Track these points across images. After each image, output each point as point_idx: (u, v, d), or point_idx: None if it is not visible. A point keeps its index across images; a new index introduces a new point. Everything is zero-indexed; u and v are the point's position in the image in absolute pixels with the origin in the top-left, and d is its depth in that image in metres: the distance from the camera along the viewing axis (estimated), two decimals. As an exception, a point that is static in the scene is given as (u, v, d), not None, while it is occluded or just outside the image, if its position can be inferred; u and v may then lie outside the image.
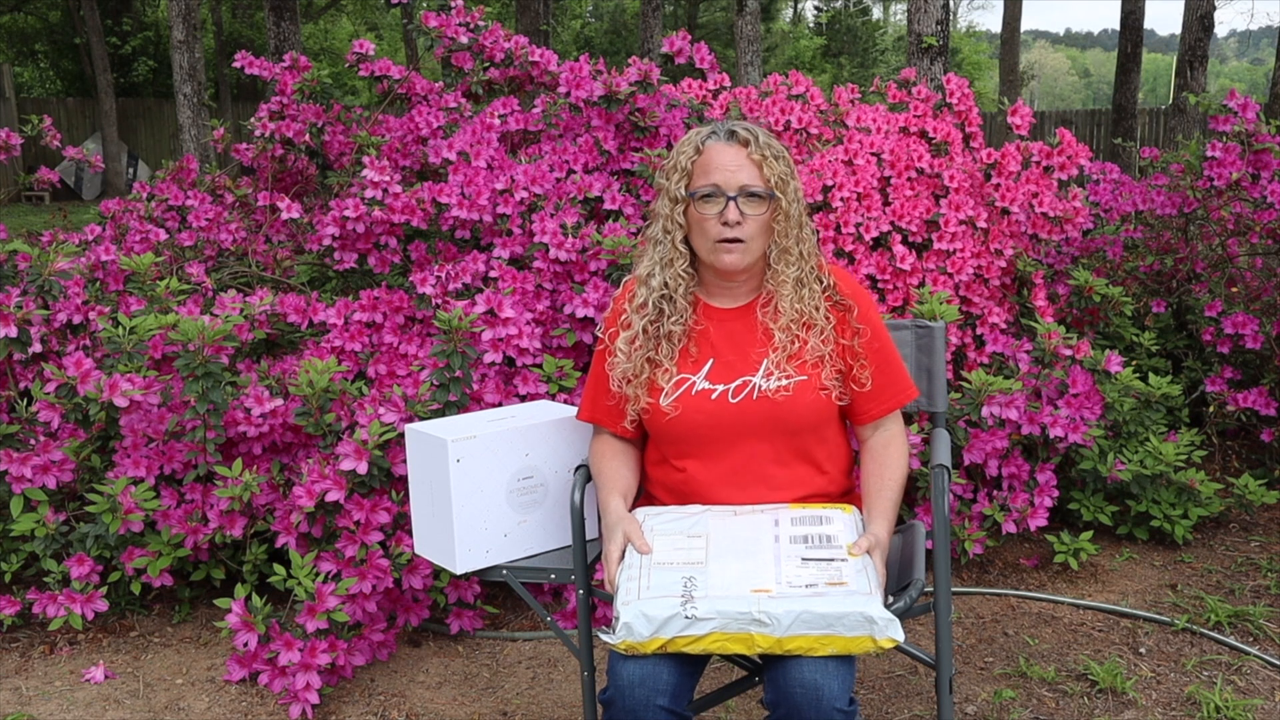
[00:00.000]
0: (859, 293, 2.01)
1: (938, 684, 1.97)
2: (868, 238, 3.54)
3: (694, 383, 1.94)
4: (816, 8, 32.43)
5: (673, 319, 1.96)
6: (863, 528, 1.90)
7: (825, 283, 1.98)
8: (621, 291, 2.06)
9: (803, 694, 1.65)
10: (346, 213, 3.46)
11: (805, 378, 1.92)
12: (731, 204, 1.88)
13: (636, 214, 3.47)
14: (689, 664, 1.76)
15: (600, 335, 2.07)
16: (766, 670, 1.73)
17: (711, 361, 1.95)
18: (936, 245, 3.58)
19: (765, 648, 1.68)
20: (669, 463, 1.99)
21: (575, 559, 2.00)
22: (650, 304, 1.97)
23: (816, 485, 1.97)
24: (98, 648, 2.94)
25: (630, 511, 1.96)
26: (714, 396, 1.93)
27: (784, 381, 1.92)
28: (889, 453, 1.98)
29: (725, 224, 1.89)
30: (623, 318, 2.01)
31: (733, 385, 1.93)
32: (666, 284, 1.96)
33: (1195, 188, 3.99)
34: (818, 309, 1.95)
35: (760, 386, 1.92)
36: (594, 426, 2.10)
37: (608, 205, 3.47)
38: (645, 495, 2.10)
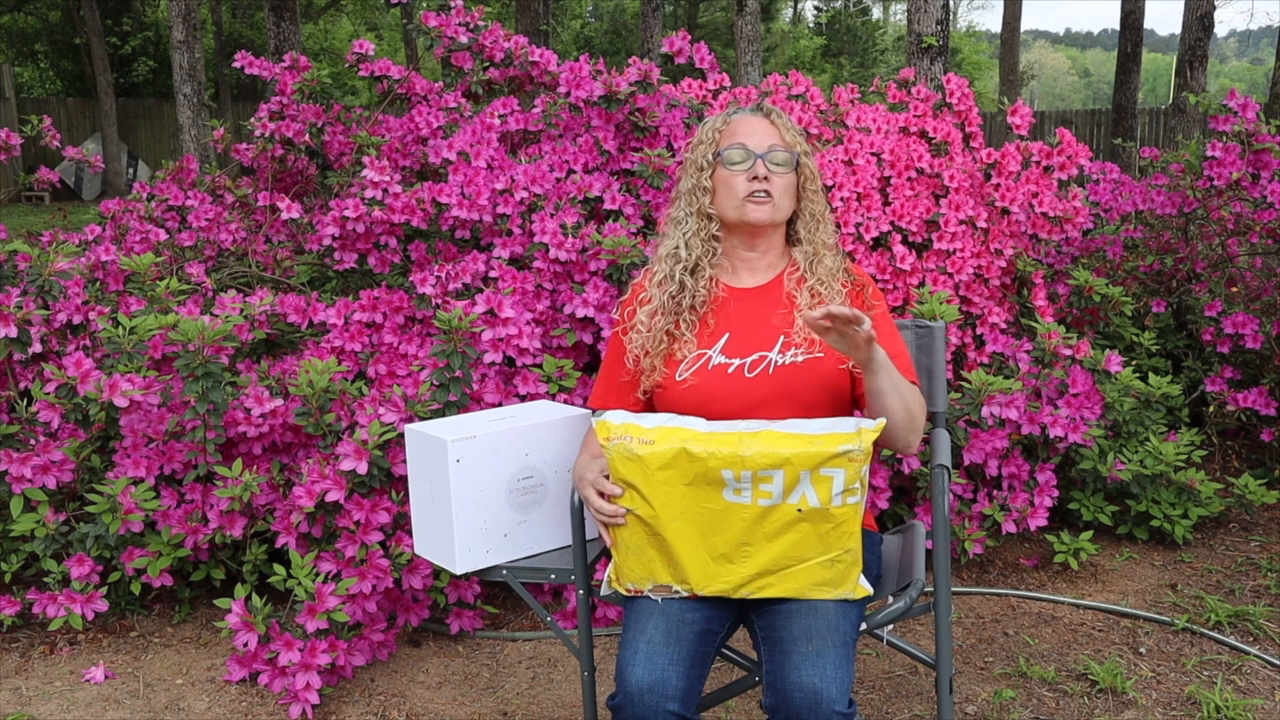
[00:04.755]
0: (869, 280, 2.08)
1: (938, 684, 1.97)
2: (868, 238, 3.54)
3: (710, 357, 1.97)
4: (816, 8, 32.43)
5: (693, 292, 2.00)
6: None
7: (842, 260, 2.05)
8: (643, 275, 2.11)
9: (801, 697, 1.65)
10: (346, 213, 3.46)
11: (822, 355, 1.96)
12: (760, 161, 1.96)
13: (636, 214, 3.47)
14: (697, 667, 1.77)
15: (617, 316, 2.10)
16: (765, 673, 1.73)
17: (728, 335, 1.98)
18: (936, 245, 3.58)
19: (749, 442, 1.75)
20: None
21: (575, 559, 2.00)
22: (673, 277, 2.01)
23: None
24: (98, 648, 2.94)
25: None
26: (730, 370, 1.95)
27: (800, 357, 1.95)
28: None
29: (754, 179, 1.95)
30: (642, 295, 2.06)
31: (749, 359, 1.96)
32: (689, 254, 2.01)
33: (1195, 188, 3.99)
34: (836, 277, 2.01)
35: (776, 361, 1.95)
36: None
37: (608, 205, 3.47)
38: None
